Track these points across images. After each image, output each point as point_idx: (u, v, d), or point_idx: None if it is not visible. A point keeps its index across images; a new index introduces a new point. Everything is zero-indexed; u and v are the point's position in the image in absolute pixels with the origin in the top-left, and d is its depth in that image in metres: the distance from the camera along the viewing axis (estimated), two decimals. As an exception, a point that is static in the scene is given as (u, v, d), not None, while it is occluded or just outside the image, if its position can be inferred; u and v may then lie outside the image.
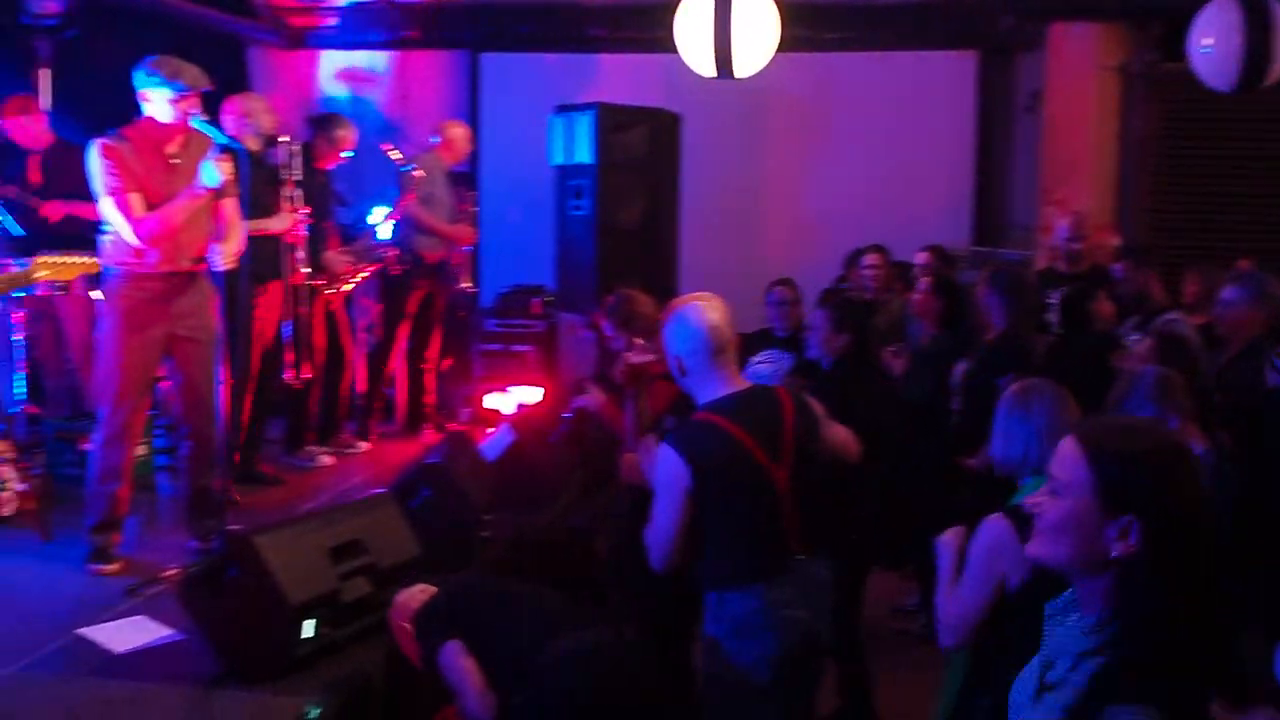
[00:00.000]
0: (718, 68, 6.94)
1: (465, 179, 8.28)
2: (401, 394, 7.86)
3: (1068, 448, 1.90)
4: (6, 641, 3.95)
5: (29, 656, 4.20)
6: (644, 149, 7.78)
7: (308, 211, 6.36)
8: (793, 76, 8.57)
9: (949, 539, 3.21)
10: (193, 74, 4.96)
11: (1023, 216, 9.00)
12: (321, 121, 6.94)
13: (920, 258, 6.95)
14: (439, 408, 8.01)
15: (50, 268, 3.62)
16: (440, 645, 3.62)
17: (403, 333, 7.58)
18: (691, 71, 7.26)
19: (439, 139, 7.70)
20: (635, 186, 7.73)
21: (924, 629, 5.26)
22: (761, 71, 7.14)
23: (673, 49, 7.36)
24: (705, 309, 3.46)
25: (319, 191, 6.78)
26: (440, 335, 7.86)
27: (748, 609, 3.34)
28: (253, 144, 6.14)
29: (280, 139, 6.27)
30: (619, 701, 3.53)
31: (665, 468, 3.36)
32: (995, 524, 3.02)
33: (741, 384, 3.48)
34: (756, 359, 4.42)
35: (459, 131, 7.78)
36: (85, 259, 3.77)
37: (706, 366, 3.42)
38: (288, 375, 6.50)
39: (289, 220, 6.24)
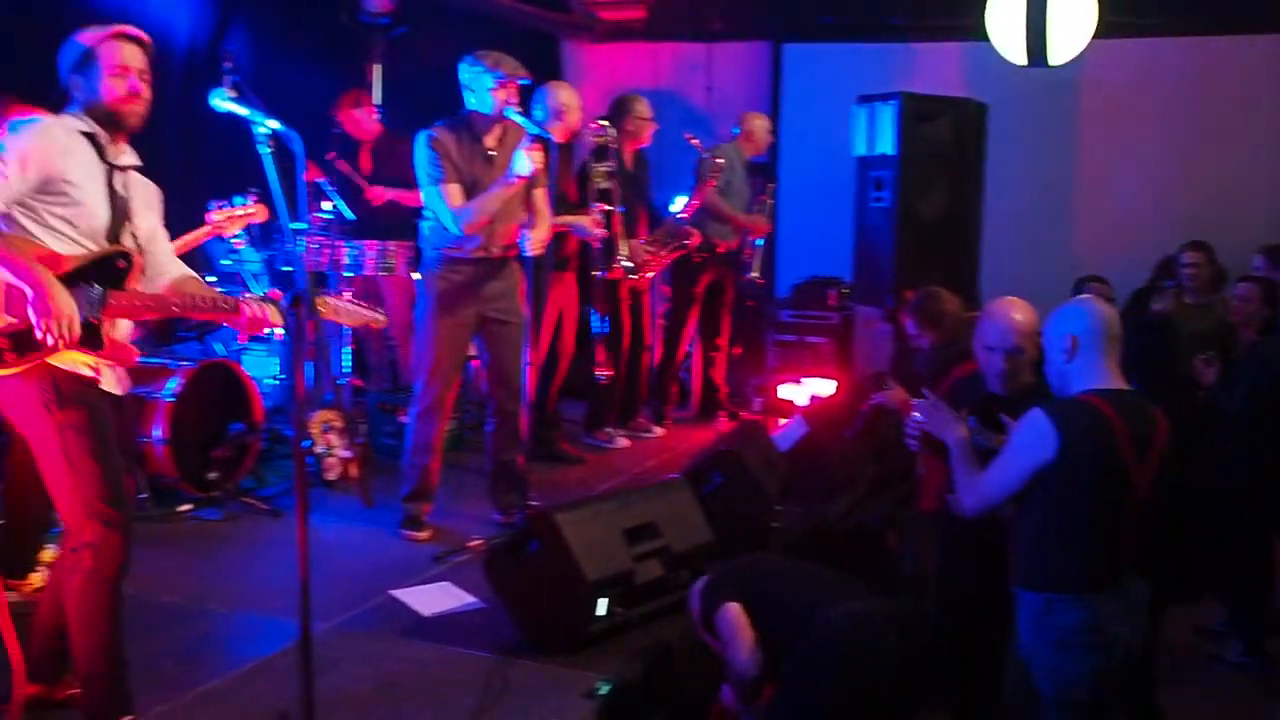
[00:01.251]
0: (1030, 55, 6.72)
1: (764, 170, 8.32)
2: (696, 380, 7.98)
3: None
4: (328, 598, 4.21)
5: (347, 613, 4.52)
6: (948, 140, 7.60)
7: (603, 209, 6.54)
8: (1107, 63, 8.21)
9: None
10: (511, 64, 5.19)
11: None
12: (623, 109, 7.11)
13: (1258, 261, 6.47)
14: (731, 396, 8.09)
15: (331, 310, 3.79)
16: (720, 606, 3.74)
17: (691, 317, 7.71)
18: (998, 59, 7.06)
19: (739, 130, 7.76)
20: (938, 178, 7.56)
21: (1240, 655, 4.90)
22: (1075, 59, 6.86)
23: (978, 36, 7.17)
24: (1095, 300, 3.43)
25: (623, 179, 6.95)
26: (729, 322, 7.96)
27: (1077, 620, 3.20)
28: (559, 136, 6.35)
29: (603, 133, 6.48)
30: (891, 669, 3.50)
31: (1030, 434, 3.22)
32: None
33: (1123, 384, 3.36)
34: None
35: (760, 123, 7.82)
36: (374, 314, 3.97)
37: (1098, 351, 3.27)
38: (597, 367, 6.76)
39: (592, 224, 6.42)
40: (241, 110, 3.47)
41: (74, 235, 3.37)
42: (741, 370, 8.44)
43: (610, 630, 4.24)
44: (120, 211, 3.48)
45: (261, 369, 6.87)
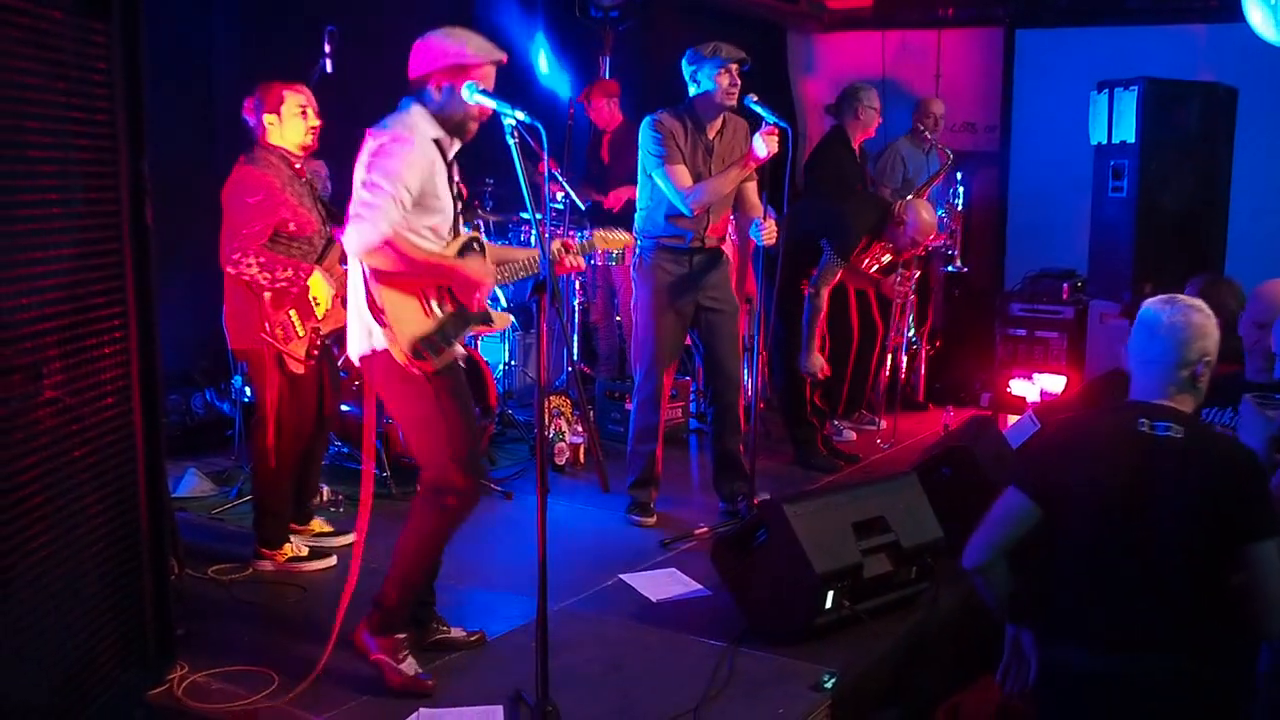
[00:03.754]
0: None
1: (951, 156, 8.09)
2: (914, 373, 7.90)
3: None
4: (559, 579, 4.30)
5: (578, 594, 4.62)
6: (1194, 127, 7.24)
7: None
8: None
9: None
10: (729, 49, 5.19)
11: None
12: (852, 99, 7.03)
13: None
14: (944, 388, 7.97)
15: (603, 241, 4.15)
16: (1017, 486, 3.29)
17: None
18: (1248, 41, 6.69)
19: (912, 119, 7.69)
20: (1182, 167, 7.20)
21: None
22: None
23: (1222, 18, 6.81)
24: None
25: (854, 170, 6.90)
26: (931, 314, 7.87)
27: None
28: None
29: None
30: None
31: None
32: None
33: None
34: None
35: (933, 107, 7.66)
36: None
37: None
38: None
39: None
40: (490, 103, 3.58)
41: (433, 239, 3.68)
42: (966, 364, 8.27)
43: (837, 624, 4.20)
44: (458, 203, 3.78)
45: (493, 355, 7.07)
